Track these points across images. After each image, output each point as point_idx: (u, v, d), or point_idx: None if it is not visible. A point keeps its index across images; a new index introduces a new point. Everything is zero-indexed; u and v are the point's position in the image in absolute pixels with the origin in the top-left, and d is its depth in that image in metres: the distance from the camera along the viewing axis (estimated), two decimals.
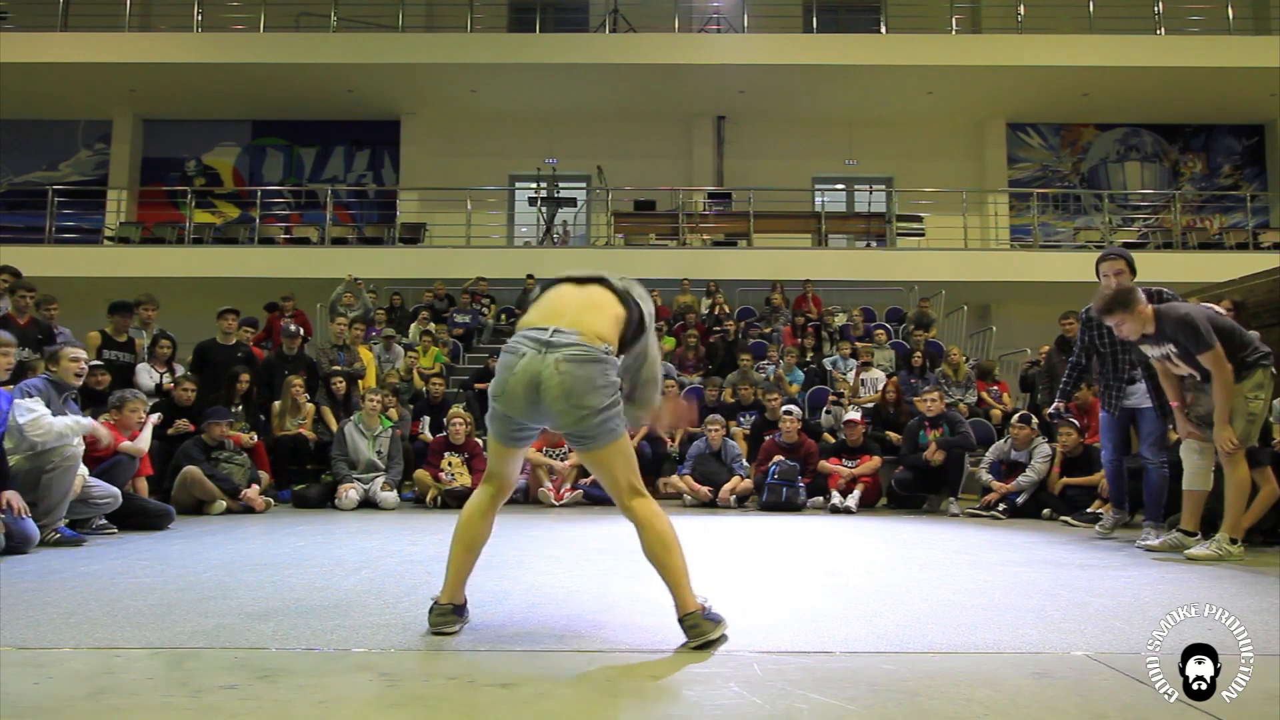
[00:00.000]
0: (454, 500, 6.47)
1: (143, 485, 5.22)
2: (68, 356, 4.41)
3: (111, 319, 6.81)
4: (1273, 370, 3.98)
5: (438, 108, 15.34)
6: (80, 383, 4.55)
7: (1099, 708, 1.67)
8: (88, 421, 4.25)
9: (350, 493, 6.33)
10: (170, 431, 6.18)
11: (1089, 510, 5.72)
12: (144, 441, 4.99)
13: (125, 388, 6.35)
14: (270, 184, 15.74)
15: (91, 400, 5.42)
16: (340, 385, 7.55)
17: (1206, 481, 4.08)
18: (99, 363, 6.23)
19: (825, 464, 6.93)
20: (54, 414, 4.13)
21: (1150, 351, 4.09)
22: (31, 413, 4.02)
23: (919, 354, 8.98)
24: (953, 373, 8.82)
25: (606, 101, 14.98)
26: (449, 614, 2.26)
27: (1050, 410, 5.62)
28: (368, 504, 6.48)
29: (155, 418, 5.39)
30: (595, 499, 7.01)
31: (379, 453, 6.66)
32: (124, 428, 4.95)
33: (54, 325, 6.32)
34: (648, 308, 2.45)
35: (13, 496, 3.76)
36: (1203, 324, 3.80)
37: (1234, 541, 3.86)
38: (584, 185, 15.63)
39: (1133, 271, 4.57)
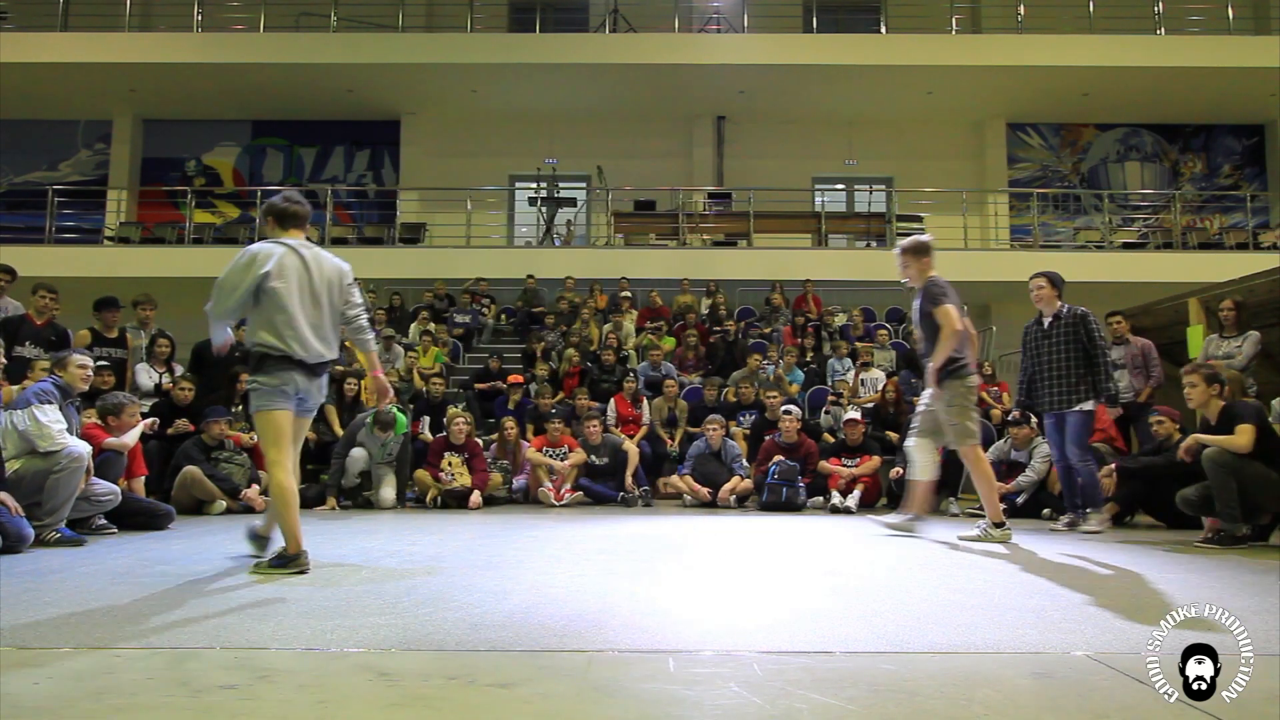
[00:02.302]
0: (454, 500, 6.48)
1: (139, 485, 5.21)
2: (75, 364, 4.51)
3: (99, 315, 6.76)
4: (970, 382, 4.51)
5: (438, 108, 15.34)
6: (86, 388, 4.65)
7: (1099, 708, 1.67)
8: (86, 452, 4.28)
9: (387, 490, 6.50)
10: (170, 431, 6.17)
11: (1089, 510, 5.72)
12: (130, 437, 4.98)
13: (120, 385, 6.37)
14: (270, 184, 15.72)
15: (93, 400, 5.42)
16: (353, 387, 7.55)
17: (931, 473, 4.69)
18: (105, 363, 6.24)
19: (825, 464, 6.93)
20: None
21: (913, 311, 4.77)
22: (59, 423, 4.18)
23: None
24: None
25: (606, 101, 14.98)
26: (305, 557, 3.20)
27: (1009, 416, 6.19)
28: (368, 504, 6.49)
29: (149, 422, 5.38)
30: (597, 498, 7.02)
31: (389, 455, 6.65)
32: (121, 430, 4.96)
33: (65, 329, 6.34)
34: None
35: (6, 497, 3.80)
36: (946, 288, 4.48)
37: (998, 526, 4.44)
38: (584, 185, 15.63)
39: (1056, 287, 5.19)
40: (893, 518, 4.79)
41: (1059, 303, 5.18)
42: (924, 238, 4.77)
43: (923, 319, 4.58)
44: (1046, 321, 5.19)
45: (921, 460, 4.68)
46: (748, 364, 8.83)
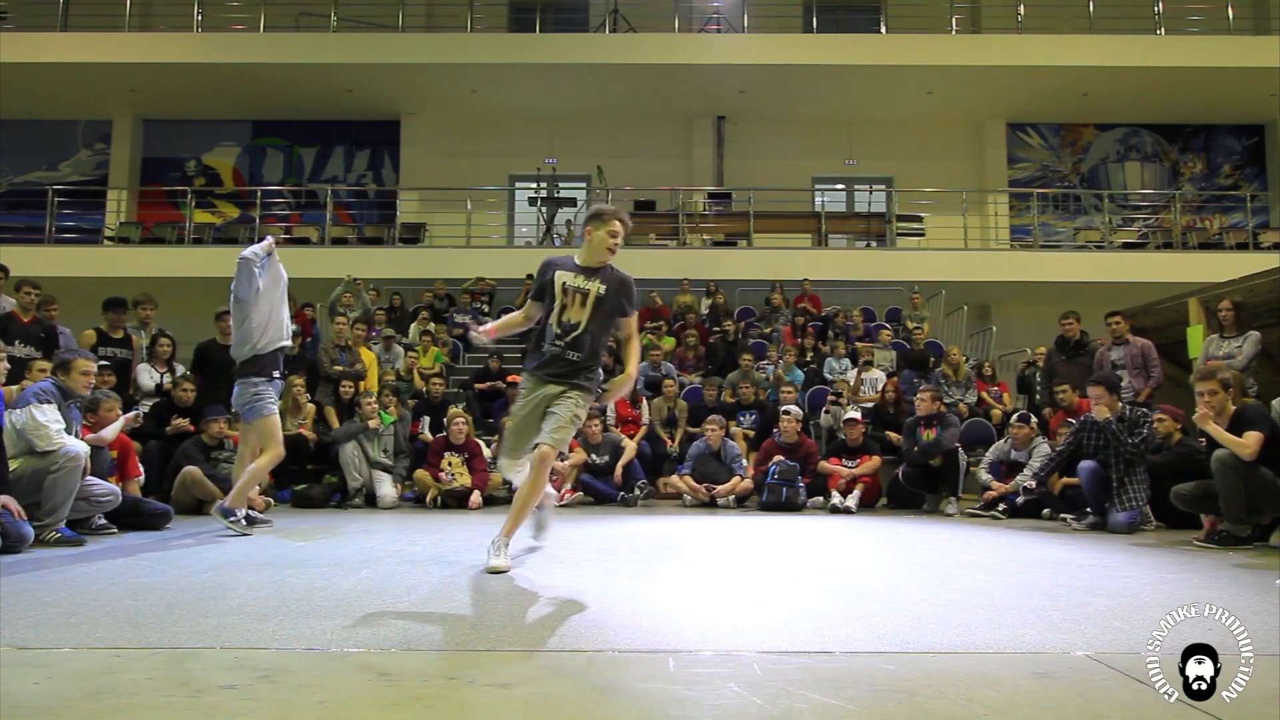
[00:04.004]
0: (454, 500, 6.48)
1: (135, 487, 5.19)
2: (79, 369, 4.48)
3: (106, 316, 6.79)
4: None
5: (438, 108, 15.34)
6: (88, 393, 4.63)
7: (1099, 708, 1.67)
8: (84, 451, 4.28)
9: (386, 488, 6.52)
10: (169, 430, 6.17)
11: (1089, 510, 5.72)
12: (109, 432, 4.93)
13: (125, 385, 6.37)
14: (270, 184, 15.74)
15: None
16: (349, 389, 7.56)
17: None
18: (106, 363, 6.23)
19: (825, 464, 6.93)
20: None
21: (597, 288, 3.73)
22: (57, 422, 4.18)
23: (932, 358, 9.06)
24: (953, 373, 8.83)
25: (606, 101, 14.98)
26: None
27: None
28: (368, 503, 6.48)
29: (130, 415, 5.36)
30: (598, 496, 7.02)
31: (385, 451, 6.65)
32: (102, 427, 4.97)
33: (55, 326, 6.33)
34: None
35: (9, 501, 3.80)
36: (635, 294, 3.72)
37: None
38: (584, 185, 15.63)
39: (1113, 393, 5.56)
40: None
41: (1120, 405, 5.53)
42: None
43: (600, 303, 3.58)
44: (1113, 424, 5.45)
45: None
46: (739, 365, 8.84)
